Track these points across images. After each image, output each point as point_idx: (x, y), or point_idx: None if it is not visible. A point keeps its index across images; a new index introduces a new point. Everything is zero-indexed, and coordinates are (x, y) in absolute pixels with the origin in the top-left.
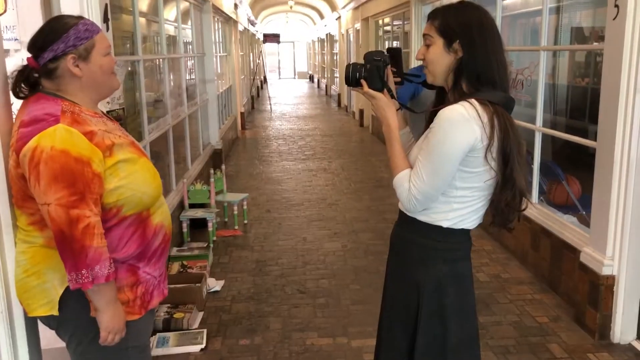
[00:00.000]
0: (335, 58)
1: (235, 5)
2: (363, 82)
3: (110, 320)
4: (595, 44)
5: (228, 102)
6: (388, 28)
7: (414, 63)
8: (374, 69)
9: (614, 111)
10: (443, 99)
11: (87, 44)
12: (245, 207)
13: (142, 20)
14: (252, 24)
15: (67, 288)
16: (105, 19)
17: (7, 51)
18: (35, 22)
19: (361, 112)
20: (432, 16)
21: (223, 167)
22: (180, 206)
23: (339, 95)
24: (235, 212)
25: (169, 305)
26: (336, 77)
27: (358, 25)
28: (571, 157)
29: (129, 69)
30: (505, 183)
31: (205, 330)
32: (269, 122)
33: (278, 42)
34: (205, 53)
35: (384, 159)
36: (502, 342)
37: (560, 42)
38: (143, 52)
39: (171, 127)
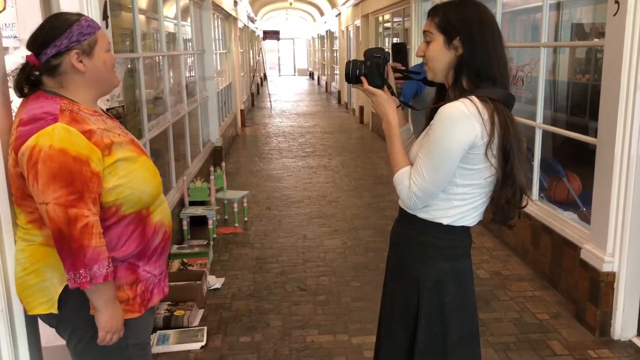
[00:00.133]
0: (335, 55)
1: (235, 2)
2: (363, 79)
3: (108, 320)
4: (595, 40)
5: (228, 100)
6: (388, 25)
7: (414, 60)
8: (374, 66)
9: (615, 108)
10: (443, 95)
11: (90, 40)
12: (245, 204)
13: (142, 17)
14: (252, 20)
15: (67, 286)
16: (105, 16)
17: (6, 49)
18: (34, 19)
19: (361, 109)
20: (432, 13)
21: (223, 164)
22: (181, 204)
23: (339, 92)
24: (236, 210)
25: (169, 302)
26: (336, 74)
27: (358, 22)
28: (572, 153)
29: (129, 66)
30: (506, 180)
31: (205, 328)
32: (269, 119)
33: (278, 39)
34: (205, 50)
35: (384, 156)
36: (502, 339)
37: (561, 39)
38: (143, 50)
39: (171, 125)
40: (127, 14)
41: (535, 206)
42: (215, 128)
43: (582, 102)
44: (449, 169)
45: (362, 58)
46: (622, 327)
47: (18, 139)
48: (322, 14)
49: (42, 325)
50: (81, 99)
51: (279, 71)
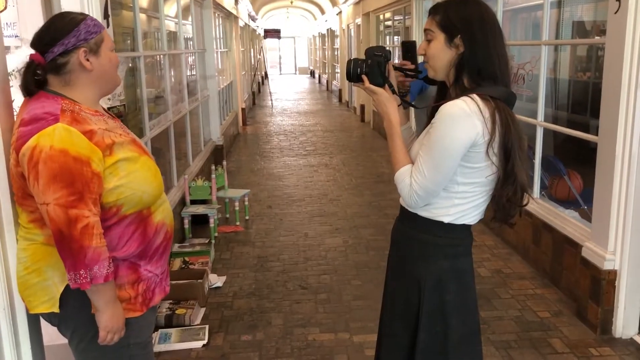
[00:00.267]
0: (336, 53)
1: (236, 1)
2: (364, 77)
3: (109, 320)
4: (596, 38)
5: (229, 98)
6: (389, 23)
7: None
8: (375, 65)
9: (616, 105)
10: (445, 94)
11: (96, 38)
12: (246, 203)
13: (143, 16)
14: (253, 19)
15: (68, 285)
16: (106, 15)
17: (7, 48)
18: (35, 19)
19: (362, 107)
20: (434, 11)
21: (224, 163)
22: (182, 202)
23: (340, 90)
24: (237, 208)
25: (171, 301)
26: (337, 72)
27: (359, 20)
28: (573, 151)
29: (130, 65)
30: (507, 178)
31: (207, 326)
32: (270, 118)
33: (279, 37)
34: (206, 49)
35: (385, 154)
36: (503, 337)
37: (562, 37)
38: (144, 48)
39: (172, 124)
40: (128, 13)
41: (537, 204)
42: (216, 127)
43: (583, 100)
44: (450, 168)
45: (363, 56)
46: (623, 325)
47: (19, 139)
48: (323, 12)
49: (44, 324)
50: (84, 98)
51: (280, 70)
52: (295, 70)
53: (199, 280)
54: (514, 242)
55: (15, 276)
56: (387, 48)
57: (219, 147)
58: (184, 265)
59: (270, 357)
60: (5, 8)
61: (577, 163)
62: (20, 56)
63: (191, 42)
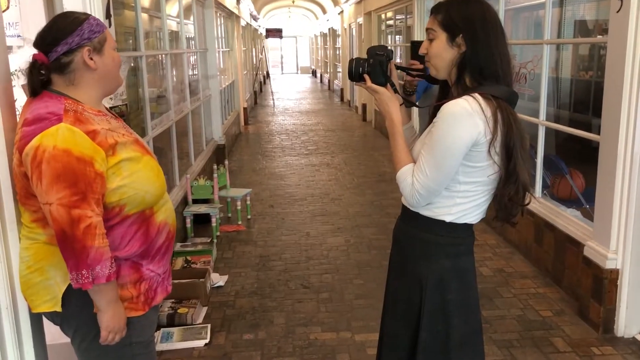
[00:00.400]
0: (337, 53)
1: (238, 0)
2: (366, 76)
3: (110, 320)
4: (598, 37)
5: (231, 98)
6: (391, 22)
7: None
8: (377, 64)
9: (618, 104)
10: (447, 93)
11: (100, 37)
12: (248, 202)
13: (145, 16)
14: (255, 19)
15: (70, 285)
16: (108, 15)
17: (9, 48)
18: (38, 18)
19: (364, 106)
20: (435, 10)
21: (226, 162)
22: (184, 202)
23: (341, 89)
24: (239, 208)
25: (173, 300)
26: (339, 71)
27: (360, 20)
28: (575, 151)
29: (132, 64)
30: (509, 177)
31: (209, 325)
32: (271, 117)
33: (280, 37)
34: (207, 48)
35: (387, 153)
36: (505, 336)
37: (564, 35)
38: (145, 48)
39: (174, 123)
40: (130, 13)
41: (539, 203)
42: (218, 126)
43: (585, 99)
44: (452, 167)
45: (365, 56)
46: (625, 324)
47: (22, 139)
48: (324, 11)
49: (46, 322)
50: (88, 97)
51: (282, 69)
52: (297, 69)
53: (201, 280)
54: (516, 241)
55: (18, 275)
56: (389, 47)
57: (221, 147)
58: (186, 265)
59: (272, 356)
60: (8, 8)
61: (579, 162)
62: (22, 56)
63: (193, 42)
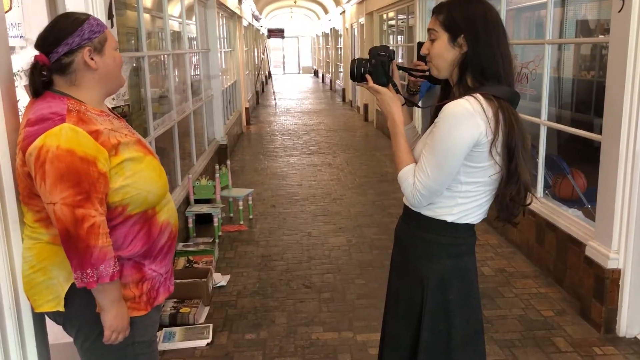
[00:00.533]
0: (339, 53)
1: (240, 1)
2: (368, 77)
3: (113, 319)
4: (600, 37)
5: (233, 98)
6: (392, 22)
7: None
8: (378, 64)
9: (620, 104)
10: (448, 93)
11: (100, 37)
12: (250, 202)
13: (147, 16)
14: (257, 19)
15: (73, 284)
16: (110, 15)
17: (12, 48)
18: (40, 19)
19: (366, 106)
20: (437, 11)
21: (228, 162)
22: (186, 202)
23: (343, 90)
24: (241, 208)
25: (175, 300)
26: (341, 71)
27: (362, 20)
28: (576, 150)
29: (134, 65)
30: (510, 178)
31: (211, 325)
32: (273, 117)
33: (282, 37)
34: (209, 49)
35: (389, 153)
36: (507, 336)
37: (566, 35)
38: (148, 48)
39: (176, 123)
40: (132, 13)
41: (540, 203)
42: (220, 126)
43: (587, 99)
44: (453, 167)
45: (366, 56)
46: (627, 324)
47: (25, 139)
48: (326, 12)
49: (49, 322)
50: (90, 98)
51: (284, 69)
52: (299, 69)
53: (203, 279)
54: (518, 241)
55: (21, 275)
56: (391, 47)
57: (223, 147)
58: (188, 264)
59: (273, 355)
60: (10, 8)
61: (580, 162)
62: (25, 56)
63: (195, 42)
